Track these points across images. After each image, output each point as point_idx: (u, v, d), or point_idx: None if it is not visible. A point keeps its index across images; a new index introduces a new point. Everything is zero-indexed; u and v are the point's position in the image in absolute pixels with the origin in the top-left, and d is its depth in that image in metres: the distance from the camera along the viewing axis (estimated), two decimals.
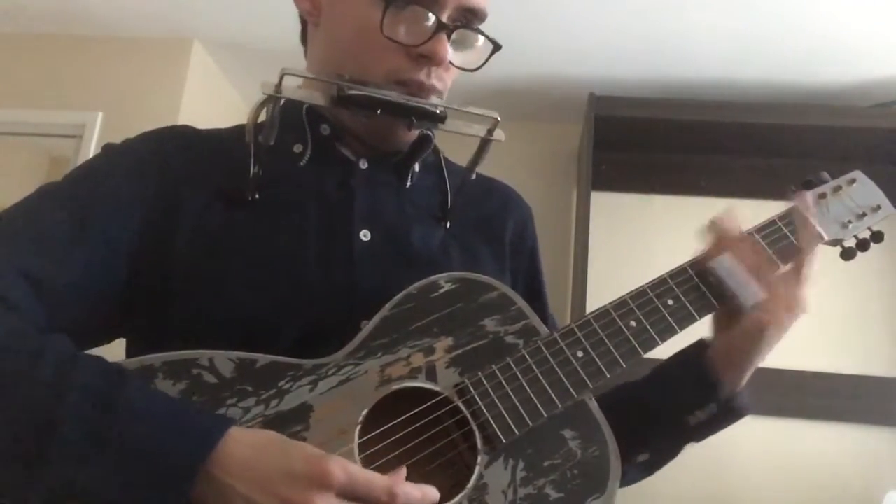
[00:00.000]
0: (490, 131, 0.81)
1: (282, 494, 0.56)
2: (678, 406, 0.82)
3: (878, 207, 0.94)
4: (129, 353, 0.78)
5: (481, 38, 0.82)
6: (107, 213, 0.75)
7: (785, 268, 0.83)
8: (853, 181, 0.95)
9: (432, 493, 0.62)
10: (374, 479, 0.59)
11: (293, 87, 0.77)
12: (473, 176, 0.86)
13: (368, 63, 0.77)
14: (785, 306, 0.78)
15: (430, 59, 0.77)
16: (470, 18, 0.80)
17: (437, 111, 0.78)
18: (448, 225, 0.87)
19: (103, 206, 0.75)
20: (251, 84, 2.81)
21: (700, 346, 0.84)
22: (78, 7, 2.55)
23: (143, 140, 0.83)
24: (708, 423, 0.81)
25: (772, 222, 0.87)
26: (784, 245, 0.85)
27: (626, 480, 0.79)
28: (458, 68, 0.81)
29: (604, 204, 2.62)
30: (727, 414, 0.81)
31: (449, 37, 0.77)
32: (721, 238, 0.82)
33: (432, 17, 0.76)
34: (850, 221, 0.92)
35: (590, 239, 2.45)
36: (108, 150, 0.82)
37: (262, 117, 0.76)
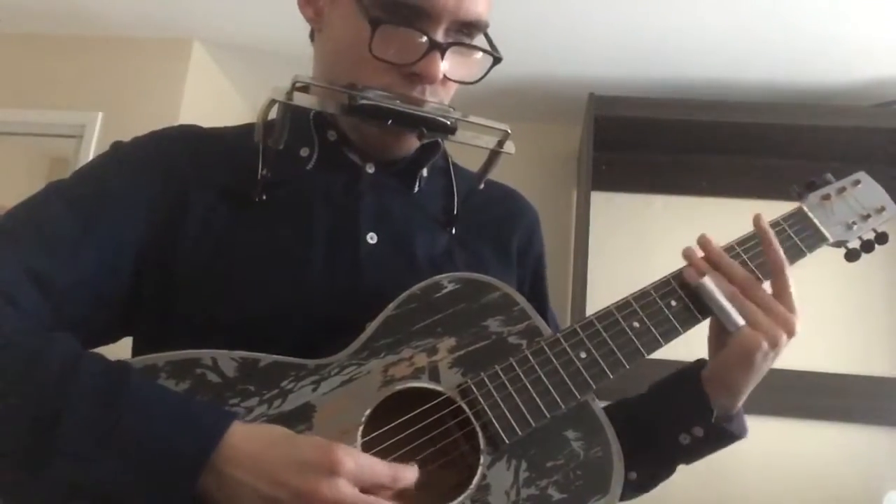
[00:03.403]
0: (500, 143, 0.81)
1: (291, 483, 0.56)
2: (668, 426, 0.80)
3: (883, 209, 0.94)
4: (136, 352, 0.77)
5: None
6: (113, 212, 0.75)
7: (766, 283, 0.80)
8: (858, 182, 0.95)
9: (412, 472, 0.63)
10: (377, 465, 0.60)
11: (304, 94, 0.76)
12: (481, 186, 0.86)
13: (362, 79, 0.76)
14: (773, 326, 0.76)
15: (423, 78, 0.76)
16: (470, 30, 0.78)
17: (448, 123, 0.77)
18: (454, 230, 0.87)
19: (110, 205, 0.75)
20: (251, 84, 2.81)
21: (698, 365, 0.82)
22: (78, 7, 2.55)
23: (151, 139, 0.83)
24: (697, 445, 0.80)
25: (747, 238, 0.84)
26: (761, 262, 0.82)
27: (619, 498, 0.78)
28: (457, 82, 0.80)
29: (604, 204, 2.62)
30: (717, 437, 0.80)
31: (443, 55, 0.75)
32: (697, 263, 0.80)
33: (424, 36, 0.74)
34: (854, 223, 0.92)
35: (590, 239, 2.45)
36: (116, 148, 0.82)
37: (270, 117, 0.76)
